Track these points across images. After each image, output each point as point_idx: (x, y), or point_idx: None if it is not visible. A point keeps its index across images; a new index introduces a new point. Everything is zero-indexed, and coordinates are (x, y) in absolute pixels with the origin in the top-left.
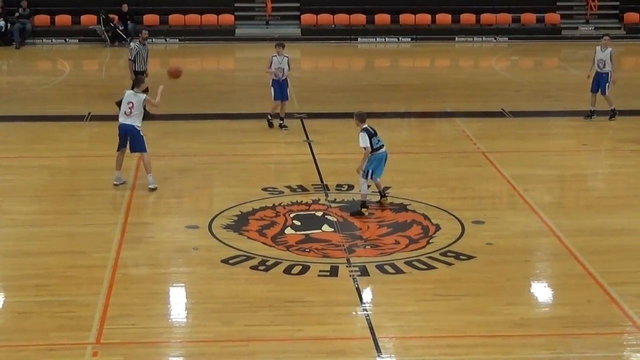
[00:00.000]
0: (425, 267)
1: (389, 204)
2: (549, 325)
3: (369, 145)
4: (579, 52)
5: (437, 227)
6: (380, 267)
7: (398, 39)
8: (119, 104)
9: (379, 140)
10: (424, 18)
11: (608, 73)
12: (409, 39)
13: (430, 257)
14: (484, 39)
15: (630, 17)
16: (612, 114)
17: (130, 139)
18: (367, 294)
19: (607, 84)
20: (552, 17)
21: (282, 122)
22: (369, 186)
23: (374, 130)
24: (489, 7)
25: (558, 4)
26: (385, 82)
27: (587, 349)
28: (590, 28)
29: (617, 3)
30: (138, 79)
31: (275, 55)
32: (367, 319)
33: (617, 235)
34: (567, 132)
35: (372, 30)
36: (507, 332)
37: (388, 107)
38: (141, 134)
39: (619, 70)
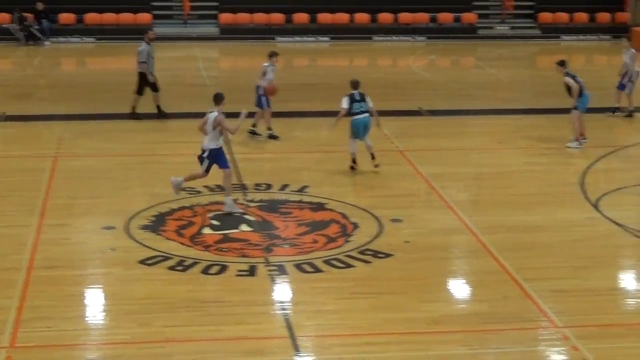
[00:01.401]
0: (343, 265)
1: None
2: (466, 321)
3: (344, 107)
4: (495, 52)
5: (355, 226)
6: (299, 266)
7: (316, 38)
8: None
9: (360, 106)
10: (342, 17)
11: (631, 74)
12: (327, 38)
13: (348, 256)
14: (401, 38)
15: (545, 17)
16: (627, 112)
17: (216, 160)
18: (285, 293)
19: (630, 83)
20: (469, 17)
21: (271, 131)
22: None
23: (361, 97)
24: (407, 6)
25: (474, 3)
26: (303, 81)
27: (504, 344)
28: (505, 28)
29: (532, 3)
30: (216, 96)
31: (269, 65)
32: (285, 318)
33: (532, 231)
34: (483, 131)
35: (291, 30)
36: (425, 329)
37: (306, 106)
38: (224, 152)
39: (535, 69)
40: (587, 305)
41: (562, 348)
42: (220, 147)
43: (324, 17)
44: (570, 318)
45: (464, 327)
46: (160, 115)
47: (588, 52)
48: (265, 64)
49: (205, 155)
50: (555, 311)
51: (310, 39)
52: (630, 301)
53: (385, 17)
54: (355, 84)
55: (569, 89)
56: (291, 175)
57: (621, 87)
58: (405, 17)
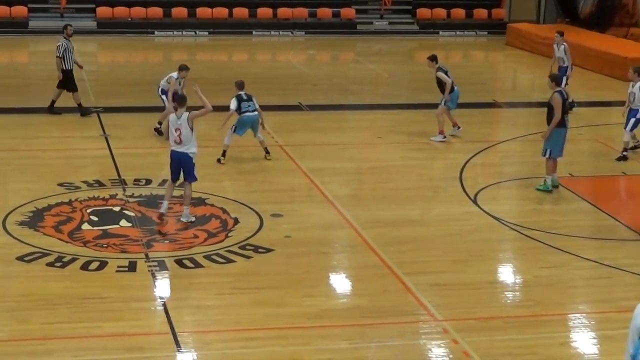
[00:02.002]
0: (224, 260)
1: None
2: (347, 315)
3: (232, 108)
4: (373, 47)
5: (236, 221)
6: (179, 262)
7: (195, 33)
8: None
9: (249, 106)
10: (221, 12)
11: (567, 67)
12: (207, 33)
13: (229, 251)
14: (280, 33)
15: (423, 12)
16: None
17: (184, 167)
18: (166, 289)
19: (566, 77)
20: (348, 12)
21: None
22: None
23: (248, 97)
24: (286, 1)
25: None
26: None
27: (384, 338)
28: (384, 23)
29: None
30: (180, 98)
31: (178, 78)
32: (166, 314)
33: (411, 226)
34: (363, 125)
35: (169, 24)
36: (306, 323)
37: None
38: (193, 162)
39: (413, 65)
40: (466, 299)
41: (442, 341)
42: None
43: (203, 12)
44: (450, 311)
45: (344, 321)
46: (83, 112)
47: (465, 48)
48: (174, 75)
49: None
50: (434, 305)
51: (189, 33)
52: (508, 294)
53: (264, 12)
54: (241, 85)
55: (440, 83)
56: None
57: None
58: (284, 12)
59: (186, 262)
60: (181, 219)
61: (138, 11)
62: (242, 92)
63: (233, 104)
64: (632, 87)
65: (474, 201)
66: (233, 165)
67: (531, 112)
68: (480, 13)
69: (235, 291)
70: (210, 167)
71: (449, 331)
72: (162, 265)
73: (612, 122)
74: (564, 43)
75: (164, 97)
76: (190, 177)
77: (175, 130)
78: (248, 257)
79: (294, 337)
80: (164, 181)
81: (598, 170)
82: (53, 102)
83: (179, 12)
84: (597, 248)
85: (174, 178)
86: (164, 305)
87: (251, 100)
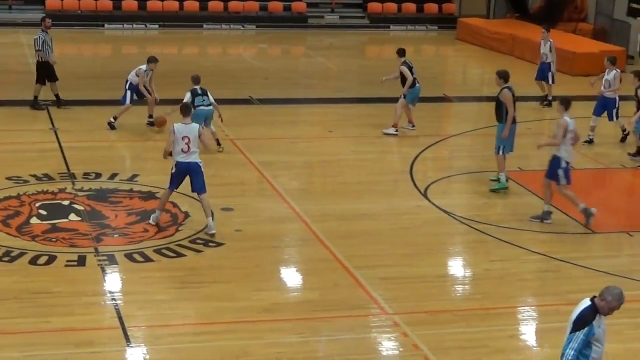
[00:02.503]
0: (174, 254)
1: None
2: (297, 309)
3: (185, 100)
4: (325, 41)
5: (187, 215)
6: (129, 256)
7: (145, 26)
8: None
9: (203, 100)
10: (172, 5)
11: (550, 63)
12: (157, 26)
13: (179, 245)
14: (231, 26)
15: (374, 7)
16: (547, 101)
17: (193, 177)
18: (115, 283)
19: (550, 74)
20: (299, 6)
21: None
22: None
23: (203, 92)
24: None
25: None
26: (132, 68)
27: (335, 331)
28: (335, 17)
29: None
30: (185, 108)
31: (147, 70)
32: (116, 309)
33: (361, 219)
34: (314, 119)
35: (119, 17)
36: (257, 317)
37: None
38: (202, 170)
39: (364, 59)
40: (416, 292)
41: (393, 334)
42: None
43: (153, 5)
44: (400, 305)
45: (295, 315)
46: (60, 103)
47: (416, 43)
48: (143, 68)
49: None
50: (385, 298)
51: (139, 26)
52: (458, 287)
53: (215, 5)
54: (196, 79)
55: (403, 77)
56: (121, 163)
57: (543, 77)
58: (235, 5)
59: (136, 256)
60: (206, 232)
61: (88, 4)
62: (197, 87)
63: (187, 97)
64: (607, 74)
65: (425, 195)
66: None
67: (481, 106)
68: (431, 8)
69: (185, 285)
70: (161, 160)
71: (399, 324)
72: (111, 260)
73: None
74: (550, 40)
75: (129, 91)
76: (203, 187)
77: (183, 139)
78: (198, 251)
79: (244, 331)
80: (114, 175)
81: (546, 164)
82: (35, 97)
83: (129, 4)
84: (546, 241)
85: (174, 187)
86: (114, 299)
87: (206, 94)
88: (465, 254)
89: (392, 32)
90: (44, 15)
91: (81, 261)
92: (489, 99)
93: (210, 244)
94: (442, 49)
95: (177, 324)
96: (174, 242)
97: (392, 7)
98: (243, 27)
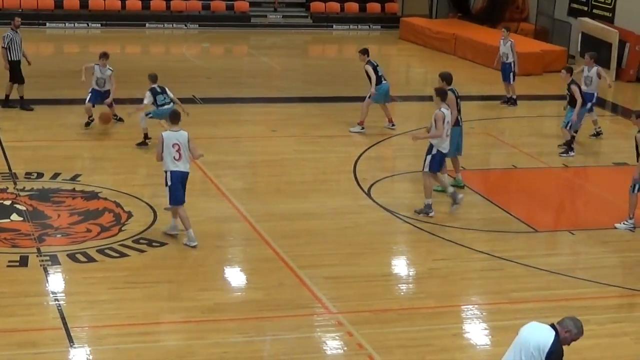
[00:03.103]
0: (117, 254)
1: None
2: (242, 309)
3: (146, 102)
4: (267, 40)
5: (130, 215)
6: (72, 256)
7: (88, 25)
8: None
9: (164, 98)
10: (114, 4)
11: (511, 63)
12: (99, 25)
13: (122, 245)
14: (174, 25)
15: (317, 6)
16: (511, 101)
17: (184, 186)
18: (58, 284)
19: (511, 74)
20: (242, 5)
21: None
22: None
23: (162, 90)
24: None
25: None
26: (74, 68)
27: (280, 331)
28: (278, 16)
29: None
30: (175, 115)
31: (97, 65)
32: (59, 309)
33: (305, 219)
34: (257, 119)
35: (61, 16)
36: (201, 317)
37: (78, 94)
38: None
39: (308, 58)
40: (360, 292)
41: (337, 334)
42: None
43: (96, 3)
44: (344, 304)
45: (239, 314)
46: (23, 106)
47: (359, 42)
48: (93, 65)
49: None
50: (329, 297)
51: (81, 25)
52: (402, 286)
53: (157, 4)
54: (154, 78)
55: (369, 76)
56: (63, 163)
57: (506, 78)
58: (177, 4)
59: (79, 256)
60: (187, 243)
61: (29, 2)
62: (155, 85)
63: (147, 98)
64: (589, 71)
65: (368, 194)
66: (127, 158)
67: (424, 105)
68: (374, 7)
69: (129, 285)
70: (102, 160)
71: (344, 323)
72: (54, 260)
73: (503, 115)
74: (511, 39)
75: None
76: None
77: (174, 146)
78: (142, 251)
79: (189, 331)
80: (56, 174)
81: (489, 163)
82: (7, 96)
83: (71, 3)
84: (489, 240)
85: (182, 200)
86: (57, 300)
87: (165, 92)
88: (409, 253)
89: (335, 32)
90: (14, 14)
91: (23, 261)
92: (432, 98)
93: (153, 244)
94: (385, 48)
95: (121, 324)
96: (117, 242)
97: (335, 6)
98: (186, 26)
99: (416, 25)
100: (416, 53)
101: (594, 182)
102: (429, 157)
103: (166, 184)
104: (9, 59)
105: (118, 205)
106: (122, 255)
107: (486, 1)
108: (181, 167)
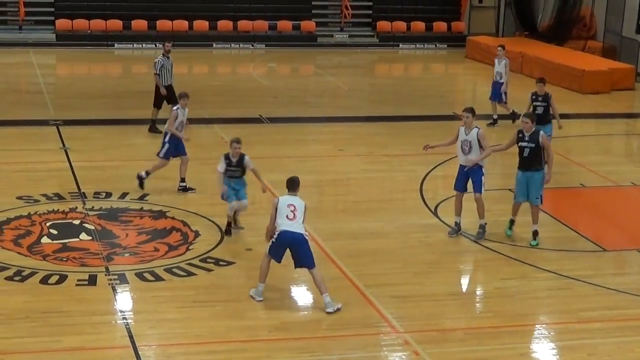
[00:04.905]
0: (185, 273)
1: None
2: (308, 328)
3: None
4: (334, 59)
5: (197, 234)
6: (140, 275)
7: (155, 45)
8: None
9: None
10: (181, 24)
11: (503, 83)
12: None
13: (190, 264)
14: (241, 45)
15: (383, 25)
16: (513, 117)
17: (299, 250)
18: (126, 303)
19: (504, 93)
20: (308, 25)
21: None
22: None
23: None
24: (246, 14)
25: (313, 12)
26: (142, 88)
27: (346, 350)
28: (344, 36)
29: (370, 12)
30: (293, 182)
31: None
32: (127, 328)
33: (371, 238)
34: (323, 138)
35: (129, 36)
36: (267, 336)
37: (146, 114)
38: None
39: (374, 77)
40: (427, 311)
41: (404, 353)
42: None
43: (163, 24)
44: (411, 323)
45: (306, 334)
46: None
47: (425, 61)
48: (176, 107)
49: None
50: (395, 317)
51: (149, 45)
52: (469, 305)
53: (224, 25)
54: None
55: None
56: (131, 183)
57: (496, 97)
58: (244, 24)
59: (147, 275)
60: (328, 310)
61: (97, 23)
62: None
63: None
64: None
65: (435, 213)
66: (194, 177)
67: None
68: (440, 26)
69: (196, 304)
70: (170, 180)
71: (410, 343)
72: (122, 279)
73: (571, 134)
74: (505, 58)
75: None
76: (312, 262)
77: (289, 206)
78: (209, 270)
79: (255, 349)
80: (124, 194)
81: (557, 182)
82: (153, 121)
83: (139, 24)
84: (557, 259)
85: (277, 258)
86: (125, 318)
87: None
88: (475, 271)
89: (401, 51)
90: (166, 40)
91: (92, 280)
92: (499, 117)
93: (220, 263)
94: (451, 67)
95: (188, 343)
96: (185, 261)
97: (401, 25)
98: (252, 46)
99: (482, 43)
100: (483, 72)
101: None
102: (483, 177)
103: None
104: (161, 84)
105: (185, 224)
106: (190, 274)
107: (553, 19)
108: (293, 228)
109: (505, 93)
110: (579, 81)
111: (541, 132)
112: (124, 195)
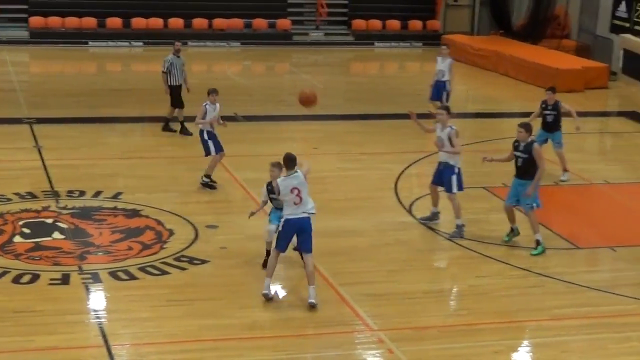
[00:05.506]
0: (159, 272)
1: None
2: (282, 326)
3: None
4: (309, 58)
5: (171, 232)
6: (113, 274)
7: (130, 43)
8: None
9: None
10: (156, 22)
11: (446, 82)
12: (141, 43)
13: (164, 263)
14: (216, 44)
15: (358, 24)
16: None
17: (306, 236)
18: (99, 302)
19: (446, 92)
20: (284, 23)
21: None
22: None
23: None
24: (221, 12)
25: (289, 10)
26: (117, 86)
27: (320, 348)
28: (320, 34)
29: (346, 10)
30: (292, 159)
31: (209, 104)
32: (100, 327)
33: (346, 236)
34: (298, 136)
35: (104, 34)
36: (241, 334)
37: (120, 112)
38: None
39: (349, 75)
40: (401, 309)
41: (378, 351)
42: None
43: (138, 22)
44: (385, 321)
45: (279, 332)
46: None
47: (401, 59)
48: (205, 104)
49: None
50: (370, 315)
51: (123, 43)
52: (443, 303)
53: (199, 23)
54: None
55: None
56: (105, 181)
57: (437, 97)
58: (219, 22)
59: (120, 274)
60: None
61: (72, 21)
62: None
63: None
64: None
65: (409, 211)
66: (169, 175)
67: (466, 122)
68: (415, 24)
69: (170, 303)
70: (144, 178)
71: (385, 341)
72: (95, 278)
73: None
74: (450, 57)
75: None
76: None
77: (292, 191)
78: (183, 269)
79: (229, 348)
80: (98, 193)
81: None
82: (167, 120)
83: (114, 22)
84: (530, 257)
85: (283, 249)
86: (98, 317)
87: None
88: (450, 270)
89: (377, 49)
90: (176, 39)
91: (65, 279)
92: (474, 115)
93: (194, 261)
94: (426, 65)
95: (162, 342)
96: (159, 259)
97: (377, 24)
98: (227, 44)
99: (458, 42)
100: (458, 70)
101: (636, 199)
102: (454, 177)
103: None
104: (169, 83)
105: (159, 223)
106: (164, 273)
107: (528, 18)
108: (299, 213)
109: (448, 93)
110: (553, 80)
111: (535, 144)
112: (97, 193)
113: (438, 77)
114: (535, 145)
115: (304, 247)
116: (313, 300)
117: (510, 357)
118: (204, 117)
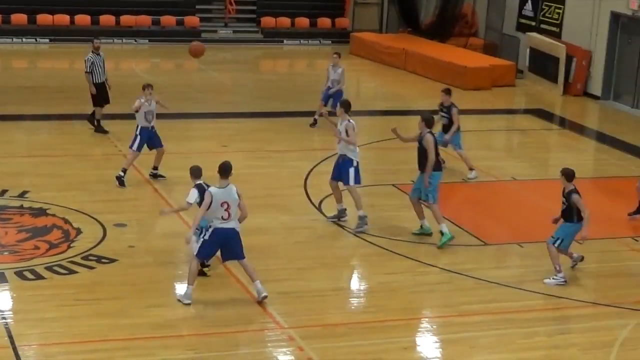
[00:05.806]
0: (66, 271)
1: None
2: (192, 325)
3: (191, 200)
4: (218, 55)
5: (79, 231)
6: (19, 274)
7: (36, 40)
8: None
9: None
10: (63, 19)
11: (341, 90)
12: (47, 40)
13: (71, 262)
14: (124, 40)
15: (267, 21)
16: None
17: (232, 244)
18: (5, 302)
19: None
20: (192, 20)
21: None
22: None
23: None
24: (129, 9)
25: (197, 7)
26: (22, 83)
27: (231, 347)
28: (229, 32)
29: (254, 7)
30: (226, 168)
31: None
32: (6, 328)
33: (256, 234)
34: (208, 134)
35: (8, 30)
36: (150, 334)
37: (26, 110)
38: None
39: (258, 73)
40: (311, 306)
41: (288, 349)
42: None
43: (44, 18)
44: (295, 319)
45: (189, 331)
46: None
47: (310, 57)
48: (141, 99)
49: None
50: (280, 312)
51: (29, 40)
52: (353, 300)
53: (106, 19)
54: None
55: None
56: (11, 180)
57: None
58: (127, 19)
59: (27, 273)
60: (258, 299)
61: None
62: (201, 181)
63: (192, 195)
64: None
65: (319, 209)
66: (76, 174)
67: (374, 120)
68: (324, 22)
69: (77, 302)
70: (52, 176)
71: (295, 338)
72: (1, 278)
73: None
74: (342, 66)
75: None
76: (242, 253)
77: (222, 205)
78: (91, 268)
79: (138, 347)
80: (3, 191)
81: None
82: (98, 121)
83: (19, 18)
84: (438, 254)
85: (207, 257)
86: (4, 318)
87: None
88: (359, 267)
89: (286, 47)
90: (94, 37)
91: None
92: (382, 112)
93: (102, 260)
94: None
95: (69, 342)
96: (66, 259)
97: (286, 21)
98: (135, 41)
99: (366, 40)
100: (366, 68)
101: (543, 195)
102: (352, 169)
103: (203, 237)
104: (94, 82)
105: (67, 221)
106: (71, 272)
107: (435, 16)
108: (228, 225)
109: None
110: (461, 77)
111: (427, 135)
112: (2, 192)
113: (331, 86)
114: (427, 136)
115: (237, 255)
116: (264, 294)
117: (419, 353)
118: (137, 111)
